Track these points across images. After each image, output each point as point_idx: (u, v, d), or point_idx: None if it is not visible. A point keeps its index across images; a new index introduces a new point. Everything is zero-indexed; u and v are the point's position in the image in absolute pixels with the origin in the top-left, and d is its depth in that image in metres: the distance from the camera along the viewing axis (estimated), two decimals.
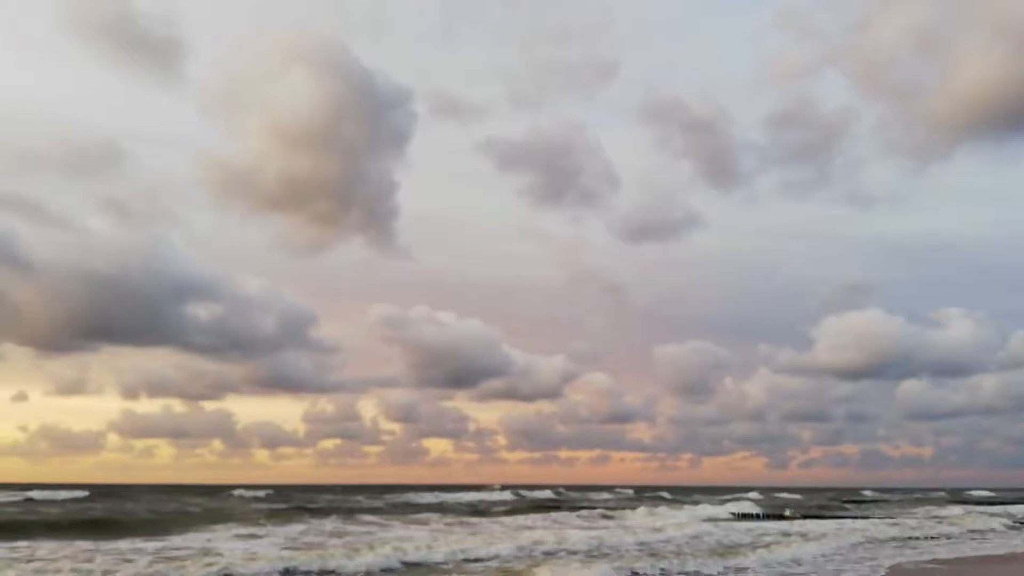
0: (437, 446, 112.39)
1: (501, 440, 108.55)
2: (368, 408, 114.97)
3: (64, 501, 37.63)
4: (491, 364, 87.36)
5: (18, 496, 37.79)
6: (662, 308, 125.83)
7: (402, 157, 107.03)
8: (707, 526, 27.07)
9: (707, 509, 41.23)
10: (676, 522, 30.25)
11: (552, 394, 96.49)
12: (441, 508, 40.24)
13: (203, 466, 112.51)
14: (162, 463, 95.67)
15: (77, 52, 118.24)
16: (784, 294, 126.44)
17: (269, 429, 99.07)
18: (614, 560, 17.08)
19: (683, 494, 73.62)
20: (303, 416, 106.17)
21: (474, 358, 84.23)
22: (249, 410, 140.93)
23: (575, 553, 18.58)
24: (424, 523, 28.58)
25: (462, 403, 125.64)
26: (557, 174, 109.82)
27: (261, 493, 51.31)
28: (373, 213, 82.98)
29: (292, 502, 42.27)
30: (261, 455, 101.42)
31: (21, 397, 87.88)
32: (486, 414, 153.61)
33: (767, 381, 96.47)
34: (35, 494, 40.23)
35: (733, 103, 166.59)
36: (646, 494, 71.41)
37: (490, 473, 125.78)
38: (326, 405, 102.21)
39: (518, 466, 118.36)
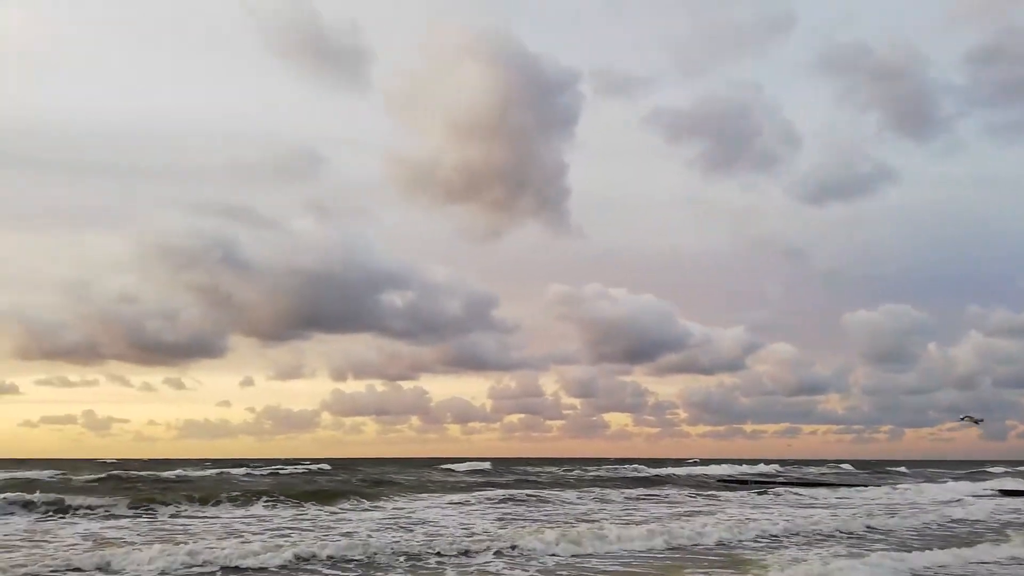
0: (617, 420, 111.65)
1: (681, 414, 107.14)
2: (549, 384, 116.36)
3: (304, 473, 40.52)
4: (668, 337, 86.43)
5: (265, 470, 41.58)
6: (850, 271, 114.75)
7: (571, 138, 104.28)
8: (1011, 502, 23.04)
9: (962, 485, 35.17)
10: (959, 497, 26.71)
11: (733, 366, 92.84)
12: (671, 481, 38.04)
13: (404, 440, 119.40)
14: (368, 438, 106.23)
15: (278, 70, 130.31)
16: (993, 249, 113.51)
17: (459, 405, 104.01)
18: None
19: (886, 469, 66.69)
20: (489, 392, 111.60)
21: (650, 332, 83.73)
22: (441, 388, 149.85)
23: (828, 537, 14.89)
24: (661, 499, 26.38)
25: (640, 377, 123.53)
26: (729, 140, 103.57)
27: (483, 465, 52.12)
28: (545, 196, 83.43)
29: (511, 474, 42.11)
30: (454, 429, 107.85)
31: (248, 382, 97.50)
32: (665, 388, 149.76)
33: (978, 344, 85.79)
34: (267, 468, 43.40)
35: (924, 43, 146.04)
36: (865, 469, 65.50)
37: (672, 447, 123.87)
38: (509, 382, 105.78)
39: (701, 440, 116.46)
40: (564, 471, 48.08)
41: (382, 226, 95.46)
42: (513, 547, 12.51)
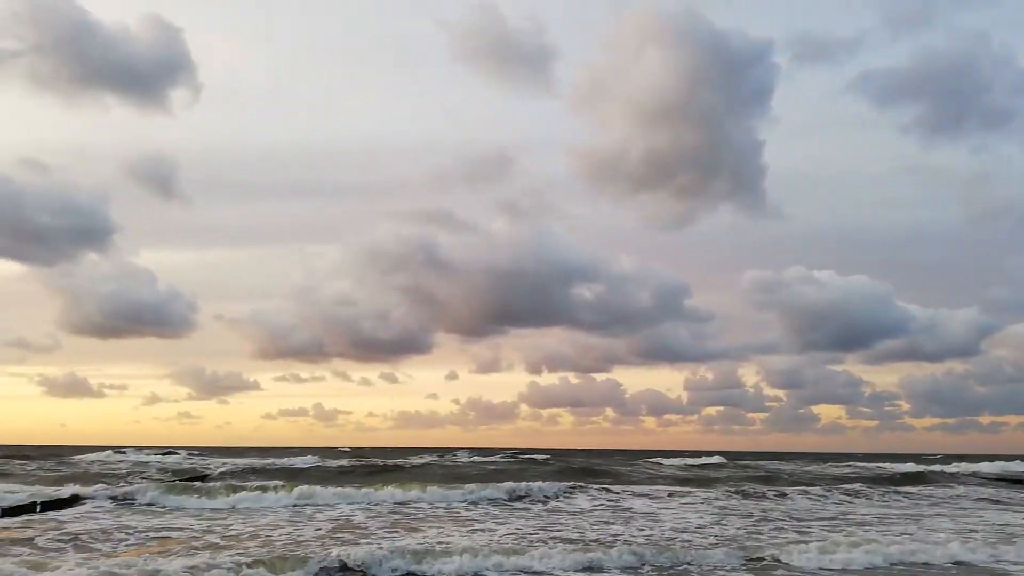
0: (828, 412, 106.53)
1: (903, 405, 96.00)
2: (749, 375, 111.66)
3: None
4: (884, 322, 77.58)
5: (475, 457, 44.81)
6: None
7: (766, 114, 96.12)
8: None
9: None
10: None
11: (964, 352, 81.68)
12: (934, 481, 29.91)
13: (598, 432, 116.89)
14: (564, 429, 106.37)
15: (467, 77, 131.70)
16: None
17: (654, 397, 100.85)
18: None
19: None
20: (684, 384, 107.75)
21: (863, 317, 75.76)
22: (634, 380, 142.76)
23: None
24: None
25: (853, 366, 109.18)
26: (952, 99, 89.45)
27: (714, 460, 49.26)
28: (739, 177, 78.47)
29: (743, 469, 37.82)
30: (649, 422, 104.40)
31: (452, 376, 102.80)
32: (882, 377, 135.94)
33: None
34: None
35: None
36: None
37: (895, 441, 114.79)
38: (706, 373, 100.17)
39: (928, 434, 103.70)
40: (800, 467, 42.09)
41: (571, 221, 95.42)
42: None
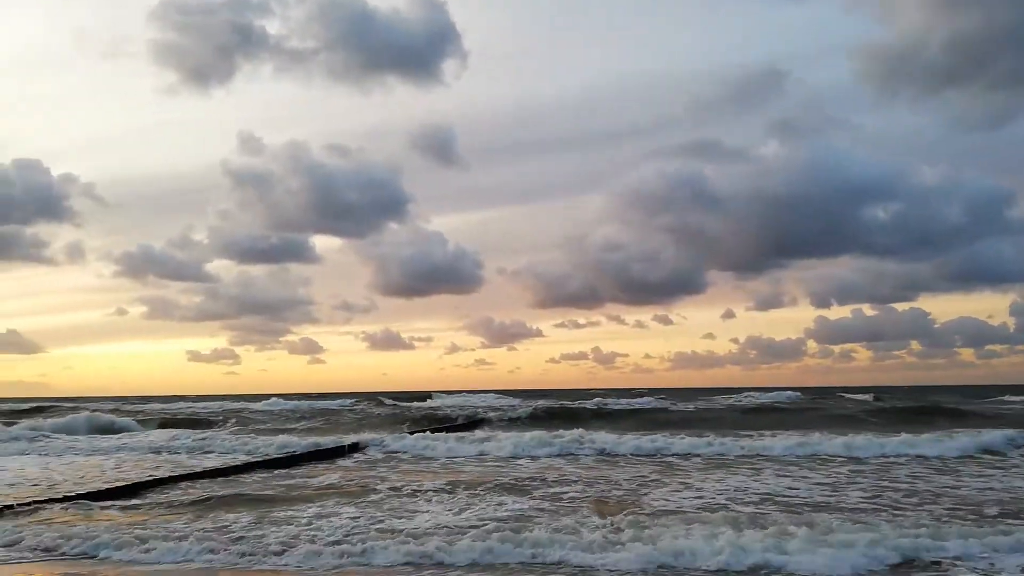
0: None
1: None
2: None
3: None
4: None
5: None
6: None
7: None
8: None
9: None
10: None
11: None
12: None
13: (901, 367, 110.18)
14: (860, 366, 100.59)
15: None
16: None
17: (971, 326, 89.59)
18: None
19: None
20: (1011, 308, 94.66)
21: None
22: (944, 308, 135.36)
23: None
24: None
25: None
26: None
27: None
28: None
29: None
30: (965, 354, 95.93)
31: (729, 315, 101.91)
32: None
33: None
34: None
35: None
36: None
37: None
38: None
39: None
40: None
41: (857, 133, 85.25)
42: None
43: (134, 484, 13.26)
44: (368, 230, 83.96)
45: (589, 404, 37.25)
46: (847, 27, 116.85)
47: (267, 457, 17.40)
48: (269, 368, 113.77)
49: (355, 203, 73.48)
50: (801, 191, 67.06)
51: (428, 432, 22.06)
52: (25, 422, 28.27)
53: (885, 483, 12.69)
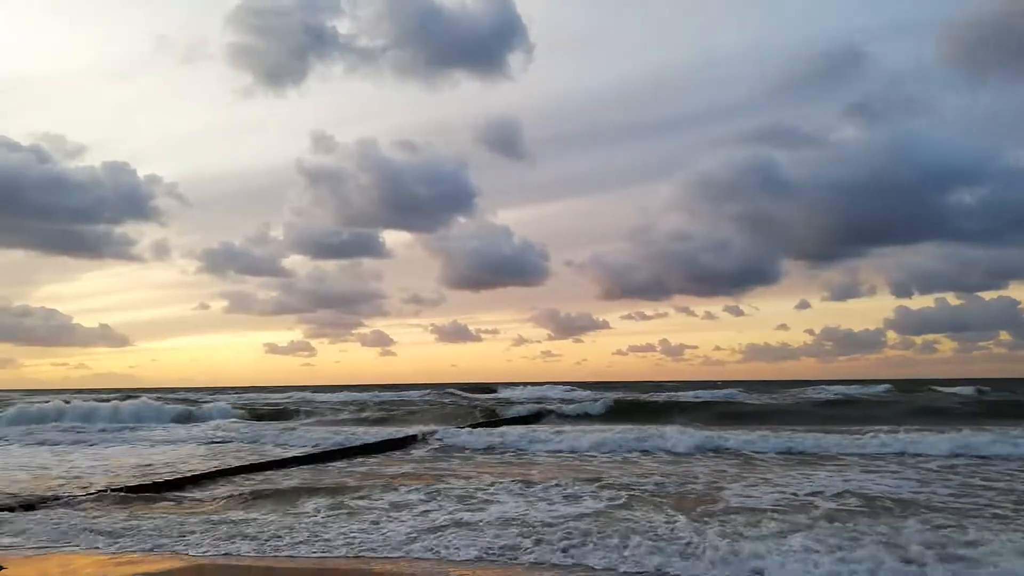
0: None
1: None
2: None
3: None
4: None
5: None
6: None
7: None
8: None
9: None
10: None
11: None
12: None
13: (988, 359, 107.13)
14: (943, 357, 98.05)
15: None
16: None
17: None
18: None
19: None
20: None
21: None
22: None
23: None
24: None
25: None
26: None
27: None
28: None
29: None
30: None
31: (803, 305, 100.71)
32: None
33: None
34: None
35: None
36: None
37: None
38: None
39: None
40: None
41: (940, 115, 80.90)
42: None
43: (213, 472, 13.73)
44: (436, 224, 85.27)
45: (661, 397, 36.56)
46: (928, 2, 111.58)
47: (340, 447, 17.77)
48: (342, 360, 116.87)
49: (423, 198, 74.91)
50: (881, 176, 64.42)
51: (498, 424, 22.10)
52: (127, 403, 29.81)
53: None
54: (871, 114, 76.22)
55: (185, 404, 33.91)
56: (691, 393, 40.33)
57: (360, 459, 16.06)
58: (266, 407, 36.07)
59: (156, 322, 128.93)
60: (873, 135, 71.21)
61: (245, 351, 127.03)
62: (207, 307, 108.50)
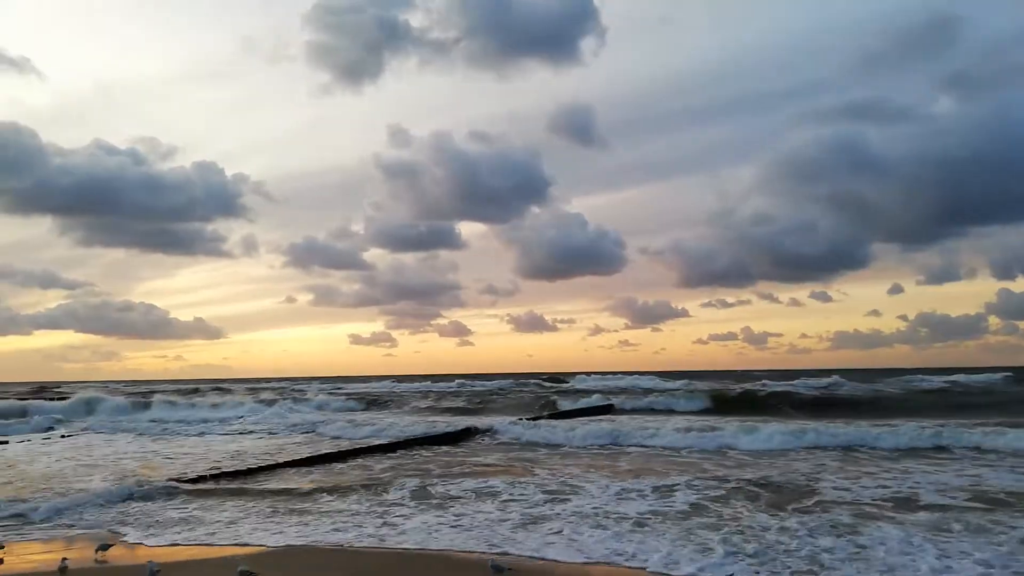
0: None
1: None
2: None
3: None
4: None
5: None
6: None
7: None
8: None
9: None
10: None
11: None
12: None
13: None
14: None
15: None
16: None
17: None
18: None
19: None
20: None
21: None
22: None
23: None
24: None
25: None
26: None
27: None
28: None
29: None
30: None
31: (896, 290, 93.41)
32: None
33: None
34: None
35: None
36: None
37: None
38: None
39: None
40: None
41: None
42: None
43: (309, 457, 14.59)
44: (511, 215, 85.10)
45: (756, 387, 34.42)
46: None
47: (424, 435, 18.48)
48: (422, 350, 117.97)
49: (497, 189, 74.75)
50: (980, 151, 57.97)
51: (573, 416, 22.28)
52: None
53: None
54: (970, 84, 69.60)
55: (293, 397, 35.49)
56: (787, 383, 36.76)
57: (445, 447, 16.87)
58: (358, 396, 37.27)
59: (247, 315, 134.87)
60: (972, 107, 64.65)
61: (330, 342, 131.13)
62: (294, 300, 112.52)
